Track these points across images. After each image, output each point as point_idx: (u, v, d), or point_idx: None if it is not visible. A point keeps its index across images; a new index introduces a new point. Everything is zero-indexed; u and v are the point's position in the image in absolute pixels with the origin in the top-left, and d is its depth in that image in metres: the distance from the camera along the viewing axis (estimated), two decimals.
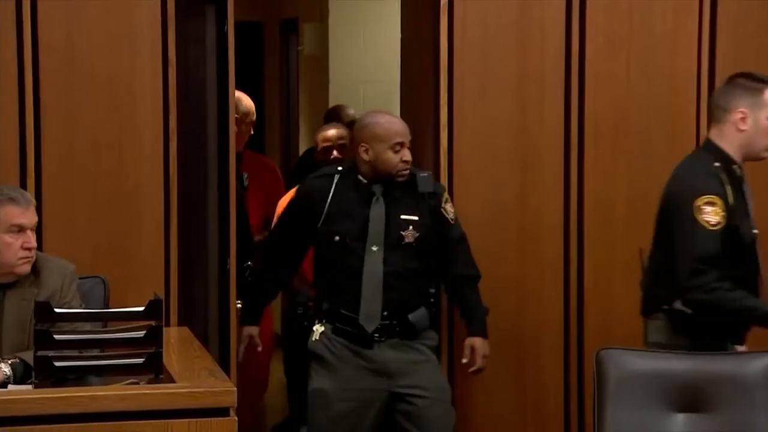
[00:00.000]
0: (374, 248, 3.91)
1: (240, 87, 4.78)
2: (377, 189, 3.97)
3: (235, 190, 4.26)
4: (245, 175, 4.83)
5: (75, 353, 3.09)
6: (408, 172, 3.97)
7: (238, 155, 4.53)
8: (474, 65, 4.45)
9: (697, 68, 4.59)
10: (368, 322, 3.91)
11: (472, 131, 4.46)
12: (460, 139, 4.45)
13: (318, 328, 3.96)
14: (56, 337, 3.04)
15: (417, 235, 3.96)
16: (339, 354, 3.93)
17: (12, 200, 3.37)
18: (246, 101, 4.91)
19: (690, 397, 3.34)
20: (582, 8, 4.51)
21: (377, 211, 3.94)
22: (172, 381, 3.11)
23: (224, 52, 4.25)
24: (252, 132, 5.04)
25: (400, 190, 3.98)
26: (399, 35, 5.20)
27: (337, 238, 3.92)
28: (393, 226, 3.94)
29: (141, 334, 3.09)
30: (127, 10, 4.16)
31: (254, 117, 5.04)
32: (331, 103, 7.12)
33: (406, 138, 3.98)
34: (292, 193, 4.75)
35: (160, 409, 2.97)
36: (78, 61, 4.13)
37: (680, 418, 3.35)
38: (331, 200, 3.94)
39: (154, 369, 3.09)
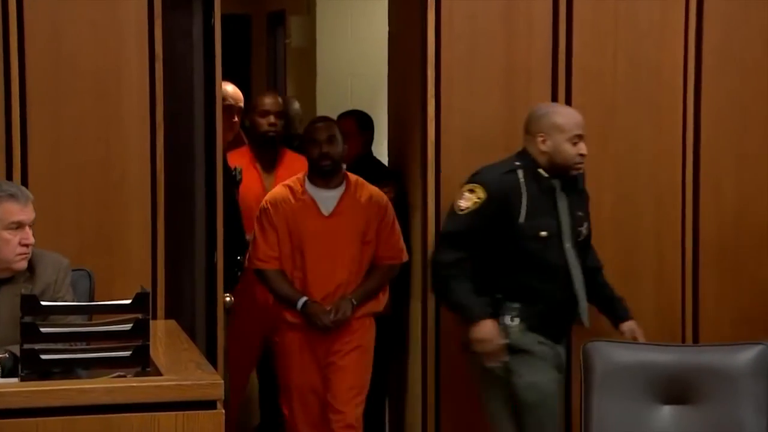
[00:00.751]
0: (568, 244, 3.95)
1: (228, 80, 4.75)
2: (556, 183, 3.95)
3: (221, 184, 4.25)
4: (238, 169, 4.81)
5: (62, 346, 3.08)
6: (583, 165, 3.95)
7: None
8: (461, 59, 4.45)
9: (683, 61, 4.60)
10: (585, 316, 3.96)
11: (459, 125, 4.46)
12: (447, 133, 4.45)
13: (515, 323, 3.89)
14: (43, 330, 3.03)
15: (587, 232, 4.02)
16: (541, 349, 3.92)
17: (11, 197, 3.36)
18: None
19: (676, 389, 3.36)
20: (569, 2, 4.51)
21: (563, 207, 3.95)
22: (159, 374, 3.10)
23: (211, 45, 4.24)
24: (236, 119, 4.97)
25: (569, 186, 3.98)
26: (386, 28, 5.20)
27: (543, 233, 3.89)
28: (575, 222, 3.97)
29: (128, 327, 3.08)
30: (113, 2, 4.15)
31: (235, 102, 4.91)
32: (319, 96, 7.12)
33: (584, 131, 3.95)
34: (277, 186, 4.67)
35: (147, 402, 2.96)
36: (65, 53, 4.12)
37: (666, 410, 3.37)
38: (525, 195, 3.89)
39: (141, 362, 3.09)
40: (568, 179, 3.98)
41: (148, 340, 3.10)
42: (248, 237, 4.63)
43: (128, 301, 3.11)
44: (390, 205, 4.47)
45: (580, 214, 4.02)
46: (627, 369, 3.38)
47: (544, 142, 3.92)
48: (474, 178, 3.99)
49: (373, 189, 4.50)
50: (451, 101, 4.45)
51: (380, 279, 4.45)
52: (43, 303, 3.11)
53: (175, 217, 4.26)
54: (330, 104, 6.31)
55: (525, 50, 4.49)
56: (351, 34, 7.23)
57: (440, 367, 4.47)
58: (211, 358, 4.06)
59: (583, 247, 4.05)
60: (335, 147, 4.41)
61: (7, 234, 3.34)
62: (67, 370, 3.09)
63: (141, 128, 4.17)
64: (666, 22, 4.59)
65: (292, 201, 4.43)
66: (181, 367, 3.19)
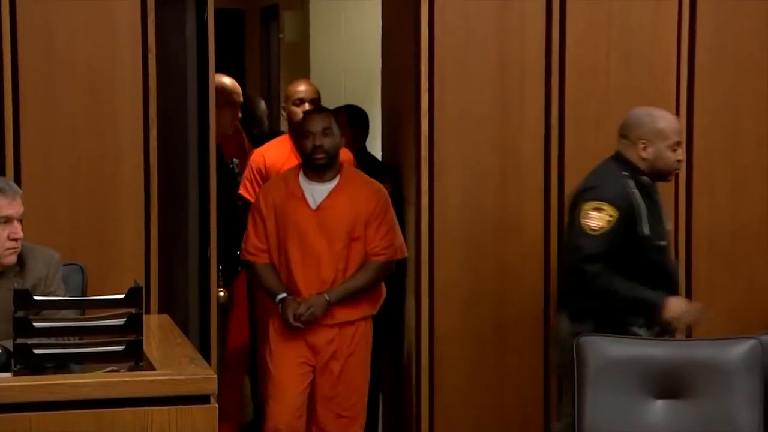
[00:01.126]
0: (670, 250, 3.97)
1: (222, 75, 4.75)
2: (654, 189, 3.95)
3: (215, 178, 4.24)
4: (235, 161, 4.79)
5: (54, 341, 3.08)
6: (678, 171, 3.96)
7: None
8: (454, 53, 4.45)
9: (677, 58, 4.61)
10: None
11: (452, 119, 4.46)
12: (440, 127, 4.45)
13: (642, 331, 3.85)
14: (36, 324, 3.03)
15: None
16: None
17: None
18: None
19: (669, 384, 3.36)
20: None
21: (664, 213, 3.95)
22: (153, 368, 3.10)
23: (204, 40, 4.23)
24: (239, 115, 4.95)
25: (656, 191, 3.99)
26: (380, 23, 5.20)
27: (662, 242, 3.90)
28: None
29: (121, 321, 3.08)
30: None
31: (238, 96, 4.89)
32: None
33: (682, 136, 3.95)
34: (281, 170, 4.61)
35: (141, 396, 2.96)
36: (57, 48, 4.12)
37: (659, 404, 3.37)
38: (642, 206, 3.86)
39: (134, 357, 3.09)
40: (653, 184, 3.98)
41: (142, 335, 3.09)
42: None
43: (121, 296, 3.11)
44: (384, 199, 4.30)
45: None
46: (620, 363, 3.38)
47: (645, 149, 3.89)
48: (595, 195, 3.86)
49: (369, 182, 4.34)
50: (445, 96, 4.45)
51: (367, 277, 4.22)
52: (36, 297, 3.11)
53: (168, 211, 4.26)
54: (323, 99, 6.29)
55: (518, 45, 4.49)
56: (344, 29, 7.23)
57: (434, 362, 4.48)
58: (205, 352, 4.06)
59: None
60: (330, 140, 4.20)
61: None
62: (60, 364, 3.09)
63: (134, 123, 4.17)
64: (659, 18, 4.59)
65: (283, 192, 4.26)
66: (175, 362, 3.19)
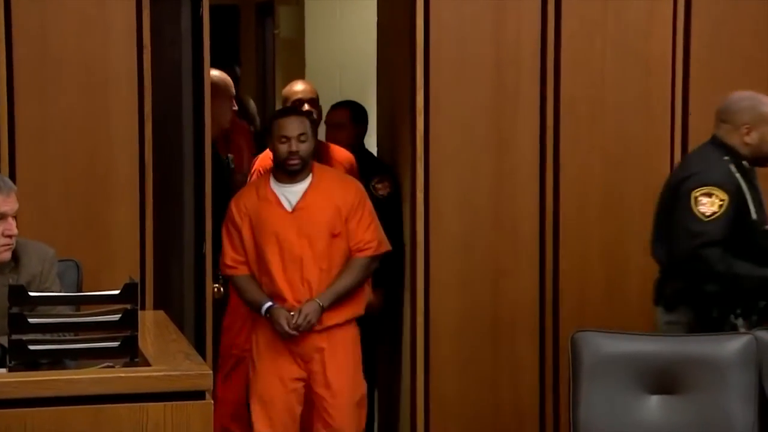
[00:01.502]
0: None
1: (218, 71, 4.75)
2: (753, 174, 3.92)
3: (210, 174, 4.23)
4: (230, 157, 4.78)
5: (50, 337, 3.08)
6: None
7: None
8: (450, 49, 4.45)
9: (672, 52, 4.61)
10: None
11: (448, 115, 4.46)
12: (436, 124, 4.45)
13: (740, 321, 3.84)
14: (31, 320, 3.03)
15: None
16: None
17: None
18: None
19: (664, 379, 3.37)
20: None
21: (763, 198, 3.93)
22: (148, 364, 3.10)
23: (199, 36, 4.23)
24: (235, 107, 4.95)
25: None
26: (375, 19, 5.20)
27: (767, 227, 3.88)
28: None
29: (116, 317, 3.08)
30: None
31: (233, 90, 4.92)
32: None
33: None
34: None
35: (136, 392, 2.96)
36: (52, 43, 4.11)
37: (654, 399, 3.38)
38: (746, 190, 3.84)
39: (130, 352, 3.09)
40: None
41: (137, 331, 3.09)
42: None
43: (117, 292, 3.11)
44: (360, 191, 4.19)
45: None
46: (615, 359, 3.38)
47: (748, 133, 3.88)
48: (701, 181, 3.82)
49: (343, 176, 4.28)
50: (440, 91, 4.45)
51: (354, 275, 4.12)
52: (31, 293, 3.11)
53: (164, 207, 4.26)
54: (319, 95, 6.30)
55: (514, 41, 4.49)
56: (340, 26, 7.22)
57: (429, 359, 4.48)
58: (200, 348, 4.06)
59: None
60: (306, 145, 4.07)
61: None
62: (55, 360, 3.09)
63: (129, 119, 4.17)
64: (654, 15, 4.60)
65: (255, 199, 4.13)
66: (170, 358, 3.19)
